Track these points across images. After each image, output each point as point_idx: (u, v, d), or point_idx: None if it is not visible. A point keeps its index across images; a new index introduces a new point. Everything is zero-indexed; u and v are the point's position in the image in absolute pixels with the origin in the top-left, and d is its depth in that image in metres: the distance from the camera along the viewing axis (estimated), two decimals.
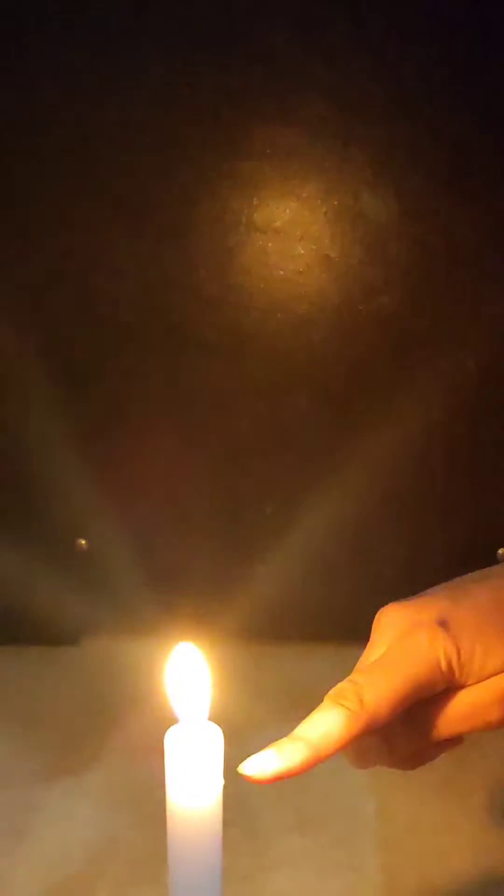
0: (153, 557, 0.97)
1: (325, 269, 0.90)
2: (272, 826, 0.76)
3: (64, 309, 0.92)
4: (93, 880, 0.71)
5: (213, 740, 0.43)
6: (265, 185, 0.89)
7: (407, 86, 0.86)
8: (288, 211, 0.89)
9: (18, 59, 0.87)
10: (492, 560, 0.95)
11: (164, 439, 0.95)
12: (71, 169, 0.89)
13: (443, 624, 0.44)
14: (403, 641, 0.45)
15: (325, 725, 0.44)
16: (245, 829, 0.75)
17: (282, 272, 0.90)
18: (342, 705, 0.44)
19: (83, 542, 0.98)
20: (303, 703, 0.93)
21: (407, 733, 0.44)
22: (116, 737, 0.86)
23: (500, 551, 0.95)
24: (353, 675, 0.46)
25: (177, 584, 0.98)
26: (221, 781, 0.44)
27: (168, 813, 0.44)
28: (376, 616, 0.47)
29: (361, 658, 0.48)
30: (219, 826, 0.44)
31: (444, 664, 0.43)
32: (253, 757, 0.44)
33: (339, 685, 0.45)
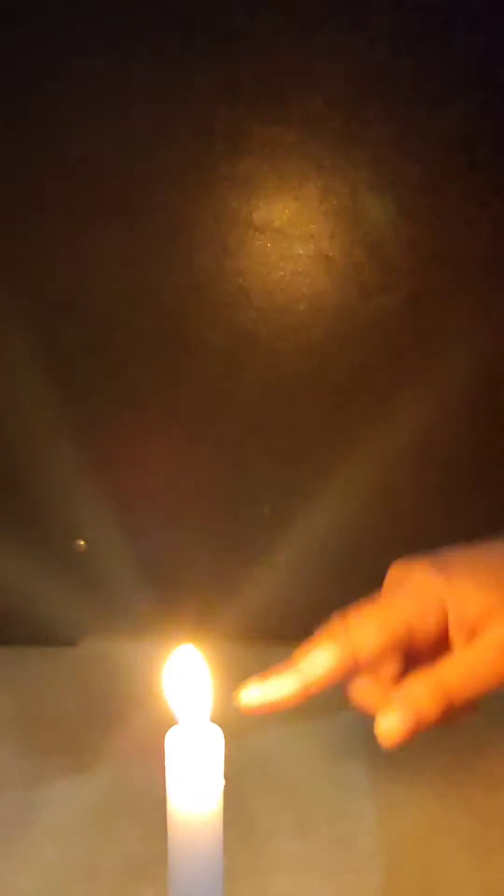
0: (152, 558, 0.97)
1: (325, 269, 0.90)
2: (272, 827, 0.76)
3: (61, 308, 0.92)
4: (92, 881, 0.71)
5: (214, 741, 0.43)
6: (264, 184, 0.89)
7: (406, 85, 0.86)
8: (287, 211, 0.89)
9: (15, 58, 0.87)
10: None
11: (163, 439, 0.95)
12: (68, 169, 0.89)
13: (435, 563, 0.48)
14: (398, 583, 0.48)
15: (316, 659, 0.46)
16: (244, 830, 0.75)
17: (281, 272, 0.90)
18: (332, 640, 0.46)
19: (82, 542, 0.98)
20: (302, 704, 0.93)
21: (428, 694, 0.45)
22: (115, 738, 0.86)
23: None
24: (347, 613, 0.47)
25: (175, 585, 0.98)
26: (222, 782, 0.43)
27: (168, 814, 0.44)
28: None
29: None
30: (219, 826, 0.44)
31: (433, 596, 0.45)
32: (247, 688, 0.45)
33: (332, 622, 0.47)
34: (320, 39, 0.85)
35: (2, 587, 0.97)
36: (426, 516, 0.97)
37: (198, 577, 0.98)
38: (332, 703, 0.92)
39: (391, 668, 0.45)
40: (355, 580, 1.00)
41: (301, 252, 0.90)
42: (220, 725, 0.44)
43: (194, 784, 0.42)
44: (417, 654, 0.46)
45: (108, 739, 0.86)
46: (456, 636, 0.46)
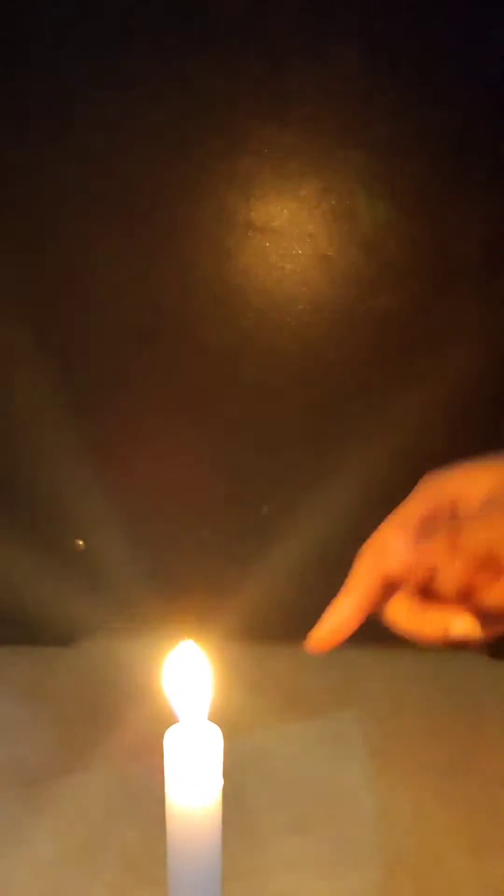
0: (151, 557, 0.97)
1: (323, 268, 0.90)
2: (271, 826, 0.76)
3: (60, 308, 0.92)
4: (92, 880, 0.71)
5: (213, 740, 0.43)
6: (263, 184, 0.89)
7: (405, 85, 0.86)
8: (286, 211, 0.89)
9: (14, 57, 0.87)
10: None
11: (162, 439, 0.95)
12: (68, 169, 0.89)
13: (454, 466, 0.52)
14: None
15: (356, 579, 0.53)
16: (244, 829, 0.75)
17: (280, 272, 0.90)
18: (364, 556, 0.53)
19: (81, 542, 0.98)
20: (301, 704, 0.94)
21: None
22: (115, 737, 0.86)
23: None
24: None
25: (174, 584, 0.98)
26: (221, 781, 0.44)
27: (167, 813, 0.44)
28: None
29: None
30: (218, 826, 0.44)
31: (442, 479, 0.53)
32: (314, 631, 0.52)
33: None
34: (319, 40, 0.85)
35: (1, 587, 0.97)
36: None
37: (196, 577, 0.98)
38: (331, 703, 0.92)
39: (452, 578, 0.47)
40: None
41: (300, 252, 0.90)
42: (218, 724, 0.44)
43: (193, 783, 0.43)
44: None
45: (107, 738, 0.86)
46: None
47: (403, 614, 0.51)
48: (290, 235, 0.89)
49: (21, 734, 0.88)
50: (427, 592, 0.49)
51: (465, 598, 0.47)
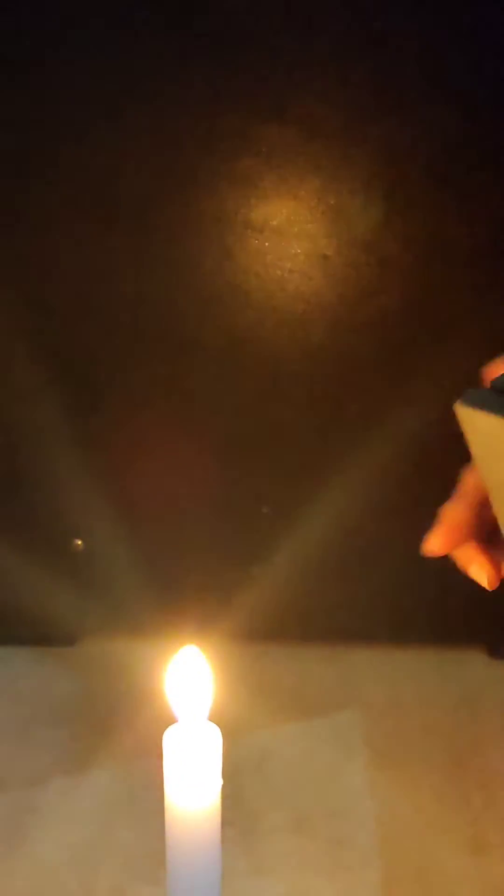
0: (150, 557, 0.97)
1: (322, 268, 0.90)
2: (270, 826, 0.76)
3: (60, 308, 0.92)
4: (91, 881, 0.71)
5: (212, 740, 0.43)
6: (261, 184, 0.89)
7: (403, 85, 0.86)
8: (284, 210, 0.89)
9: (13, 57, 0.86)
10: None
11: (161, 439, 0.95)
12: (66, 168, 0.89)
13: None
14: None
15: (465, 485, 0.54)
16: (243, 829, 0.75)
17: (278, 271, 0.90)
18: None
19: (80, 542, 0.98)
20: (300, 704, 0.94)
21: None
22: (114, 737, 0.86)
23: None
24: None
25: (174, 584, 0.98)
26: (220, 781, 0.44)
27: (167, 813, 0.44)
28: None
29: None
30: (217, 826, 0.44)
31: None
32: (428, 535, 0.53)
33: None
34: (318, 40, 0.85)
35: (0, 587, 0.97)
36: (425, 516, 0.97)
37: (196, 577, 0.98)
38: (331, 703, 0.92)
39: None
40: (354, 580, 1.00)
41: (299, 251, 0.90)
42: (218, 724, 0.44)
43: (193, 783, 0.43)
44: None
45: (107, 739, 0.86)
46: None
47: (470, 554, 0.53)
48: (290, 235, 0.89)
49: (18, 735, 0.88)
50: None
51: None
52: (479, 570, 0.50)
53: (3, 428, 0.95)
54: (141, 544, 0.97)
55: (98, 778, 0.82)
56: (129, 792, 0.80)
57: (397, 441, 0.92)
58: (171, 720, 0.45)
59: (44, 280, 0.91)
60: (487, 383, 0.50)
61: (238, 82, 0.86)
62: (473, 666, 0.98)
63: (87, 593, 0.97)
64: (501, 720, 0.90)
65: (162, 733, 0.44)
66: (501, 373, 0.46)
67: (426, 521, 1.01)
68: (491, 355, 0.88)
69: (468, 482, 0.52)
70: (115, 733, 0.87)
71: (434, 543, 0.53)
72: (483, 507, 0.52)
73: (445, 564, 1.05)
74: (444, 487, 0.97)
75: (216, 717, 0.45)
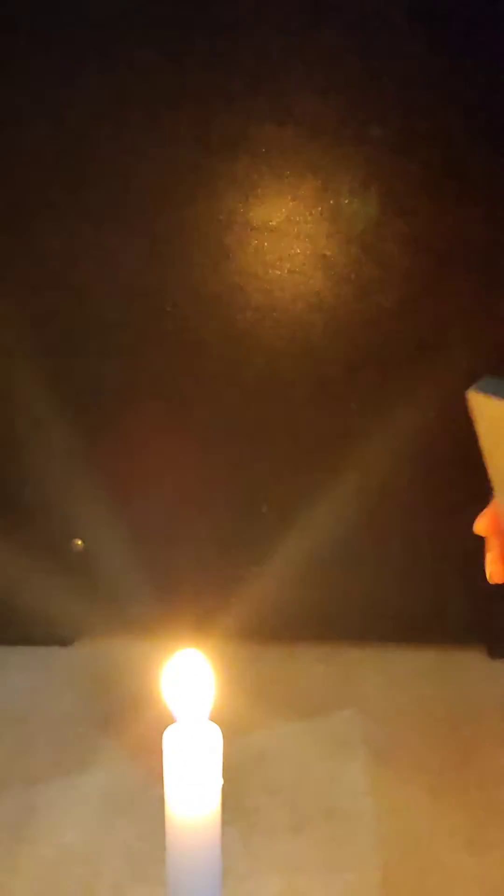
0: (149, 557, 0.97)
1: (321, 268, 0.90)
2: (270, 826, 0.76)
3: (59, 309, 0.92)
4: (90, 880, 0.71)
5: (212, 740, 0.43)
6: (261, 184, 0.89)
7: (402, 85, 0.86)
8: (284, 210, 0.89)
9: (13, 58, 0.86)
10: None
11: (160, 439, 0.95)
12: (67, 168, 0.89)
13: None
14: None
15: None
16: (243, 829, 0.75)
17: (278, 271, 0.90)
18: None
19: (79, 542, 0.98)
20: (300, 703, 0.94)
21: None
22: (113, 737, 0.86)
23: None
24: None
25: (173, 584, 0.98)
26: (220, 781, 0.44)
27: (167, 812, 0.44)
28: None
29: None
30: (217, 825, 0.44)
31: None
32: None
33: None
34: (317, 40, 0.85)
35: (0, 586, 0.97)
36: (422, 516, 0.97)
37: (195, 577, 0.98)
38: (330, 703, 0.92)
39: None
40: (354, 580, 1.00)
41: (298, 251, 0.90)
42: (218, 724, 0.44)
43: (193, 782, 0.43)
44: None
45: (106, 739, 0.86)
46: None
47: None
48: (289, 235, 0.89)
49: (18, 734, 0.88)
50: None
51: None
52: (491, 563, 0.52)
53: (2, 428, 0.95)
54: (140, 544, 0.97)
55: (98, 778, 0.82)
56: (128, 792, 0.80)
57: (397, 440, 0.92)
58: (170, 720, 0.44)
59: (43, 280, 0.91)
60: None
61: (237, 83, 0.86)
62: (473, 666, 0.98)
63: (86, 593, 0.97)
64: (501, 720, 0.90)
65: (160, 733, 0.44)
66: None
67: (426, 519, 1.02)
68: (490, 355, 0.88)
69: None
70: (115, 733, 0.87)
71: (481, 524, 0.55)
72: None
73: (445, 565, 1.05)
74: (443, 487, 0.97)
75: (216, 717, 0.45)
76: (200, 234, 0.89)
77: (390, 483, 0.95)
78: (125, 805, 0.78)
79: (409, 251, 0.89)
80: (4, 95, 0.87)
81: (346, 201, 0.88)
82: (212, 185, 0.88)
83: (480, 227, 0.89)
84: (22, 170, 0.89)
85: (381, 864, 0.72)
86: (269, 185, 0.88)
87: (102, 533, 0.97)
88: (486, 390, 0.44)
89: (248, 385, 0.94)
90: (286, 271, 0.90)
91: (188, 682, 0.44)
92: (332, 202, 0.89)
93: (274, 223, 0.89)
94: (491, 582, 0.53)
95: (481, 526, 0.54)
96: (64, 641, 1.02)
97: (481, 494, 0.96)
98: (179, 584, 0.98)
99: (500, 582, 0.53)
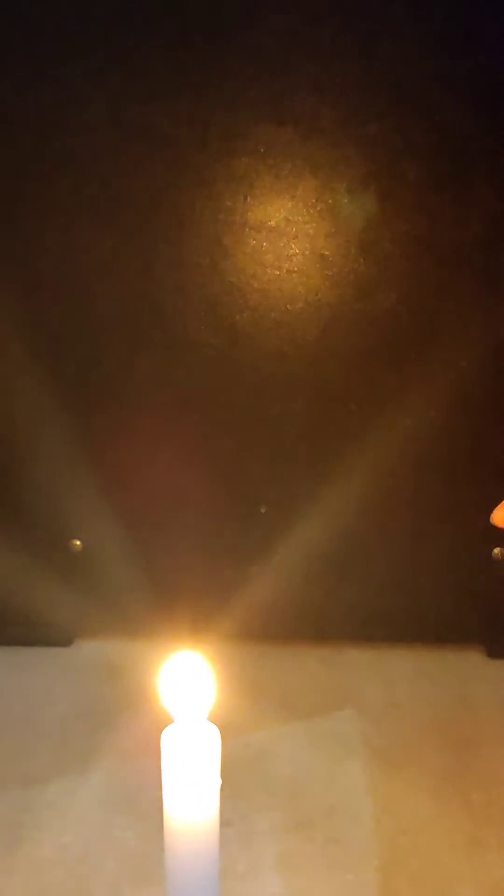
0: (148, 558, 0.97)
1: (320, 267, 0.90)
2: (268, 826, 0.76)
3: (58, 309, 0.92)
4: (89, 880, 0.71)
5: (211, 740, 0.43)
6: (259, 184, 0.89)
7: (401, 85, 0.86)
8: (282, 210, 0.89)
9: (12, 58, 0.86)
10: (487, 560, 0.96)
11: (159, 439, 0.95)
12: (66, 168, 0.89)
13: None
14: None
15: None
16: (241, 829, 0.75)
17: (276, 271, 0.90)
18: None
19: (77, 542, 0.98)
20: (299, 703, 0.94)
21: None
22: (111, 737, 0.86)
23: (496, 551, 0.95)
24: None
25: (172, 585, 0.98)
26: (219, 781, 0.43)
27: (165, 812, 0.44)
28: None
29: None
30: (216, 825, 0.44)
31: None
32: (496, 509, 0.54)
33: None
34: (316, 40, 0.85)
35: None
36: (422, 516, 0.97)
37: (194, 577, 0.98)
38: (329, 703, 0.92)
39: None
40: (353, 580, 1.00)
41: (296, 251, 0.90)
42: (216, 724, 0.44)
43: (191, 783, 0.43)
44: None
45: (105, 739, 0.86)
46: None
47: None
48: (287, 234, 0.89)
49: (16, 735, 0.88)
50: None
51: None
52: (499, 510, 0.53)
53: (2, 429, 0.95)
54: (139, 544, 0.97)
55: (97, 778, 0.82)
56: (127, 792, 0.80)
57: (396, 440, 0.92)
58: (169, 720, 0.44)
59: (43, 280, 0.91)
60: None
61: (235, 83, 0.86)
62: (472, 666, 0.98)
63: (85, 594, 0.97)
64: (500, 720, 0.90)
65: (158, 734, 0.44)
66: None
67: (424, 520, 1.02)
68: (489, 354, 0.88)
69: None
70: (114, 733, 0.87)
71: (499, 515, 0.55)
72: None
73: (444, 565, 1.05)
74: (443, 485, 0.97)
75: (215, 717, 0.45)
76: (199, 234, 0.89)
77: (390, 483, 0.95)
78: (124, 805, 0.78)
79: (408, 251, 0.89)
80: (1, 94, 0.87)
81: (345, 201, 0.88)
82: (211, 185, 0.88)
83: (480, 227, 0.89)
84: (18, 171, 0.89)
85: (381, 864, 0.72)
86: (267, 184, 0.88)
87: (101, 533, 0.97)
88: None
89: (246, 385, 0.94)
90: (285, 271, 0.90)
91: (187, 683, 0.44)
92: (330, 202, 0.89)
93: (273, 223, 0.89)
94: (491, 521, 0.55)
95: (500, 517, 0.54)
96: (63, 641, 1.02)
97: (481, 494, 0.96)
98: (178, 585, 0.98)
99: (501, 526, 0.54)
